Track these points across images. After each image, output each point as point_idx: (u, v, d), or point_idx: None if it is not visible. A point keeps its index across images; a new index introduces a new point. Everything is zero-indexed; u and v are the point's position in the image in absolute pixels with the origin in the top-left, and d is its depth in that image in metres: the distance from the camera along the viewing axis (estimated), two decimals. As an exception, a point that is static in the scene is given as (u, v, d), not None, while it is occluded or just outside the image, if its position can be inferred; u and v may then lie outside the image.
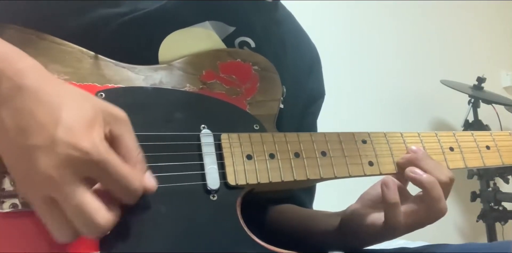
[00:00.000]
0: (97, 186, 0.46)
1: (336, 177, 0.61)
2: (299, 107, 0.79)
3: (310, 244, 0.74)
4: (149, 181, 0.49)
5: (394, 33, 2.56)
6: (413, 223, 0.63)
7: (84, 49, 0.58)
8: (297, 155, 0.60)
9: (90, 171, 0.44)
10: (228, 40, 0.69)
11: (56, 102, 0.44)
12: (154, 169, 0.52)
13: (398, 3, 2.56)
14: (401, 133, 0.66)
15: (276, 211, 0.79)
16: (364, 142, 0.64)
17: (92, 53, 0.58)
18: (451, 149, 0.68)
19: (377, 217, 0.64)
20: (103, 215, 0.44)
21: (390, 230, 0.62)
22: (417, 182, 0.61)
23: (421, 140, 0.67)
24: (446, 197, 0.64)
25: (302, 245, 0.74)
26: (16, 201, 0.49)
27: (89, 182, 0.44)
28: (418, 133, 0.67)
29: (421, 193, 0.62)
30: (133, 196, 0.47)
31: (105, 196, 0.45)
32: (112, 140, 0.46)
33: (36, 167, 0.42)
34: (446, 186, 0.62)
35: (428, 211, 0.62)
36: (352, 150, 0.62)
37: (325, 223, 0.72)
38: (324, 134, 0.62)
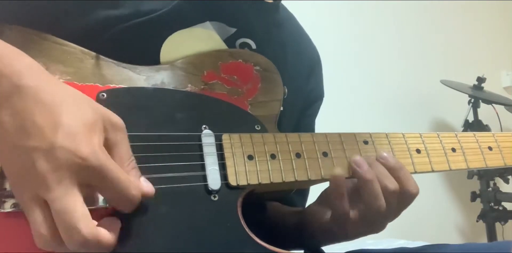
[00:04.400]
0: None
1: None
2: (297, 108, 0.79)
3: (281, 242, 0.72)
4: (146, 185, 0.49)
5: (394, 33, 2.56)
6: (359, 221, 0.62)
7: (86, 50, 0.58)
8: (298, 155, 0.60)
9: (88, 177, 0.44)
10: (229, 41, 0.69)
11: (56, 104, 0.44)
12: (155, 169, 0.53)
13: (398, 3, 2.56)
14: (403, 133, 0.66)
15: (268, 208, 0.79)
16: (366, 142, 0.64)
17: (93, 53, 0.58)
18: (453, 150, 0.68)
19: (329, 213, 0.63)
20: (87, 223, 0.43)
21: (339, 223, 0.62)
22: (357, 175, 0.60)
23: (423, 141, 0.67)
24: (402, 208, 0.63)
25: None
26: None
27: (84, 191, 0.44)
28: (420, 133, 0.67)
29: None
30: (130, 204, 0.47)
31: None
32: (107, 147, 0.46)
33: (33, 168, 0.42)
34: (401, 196, 0.61)
35: (367, 207, 0.60)
36: (353, 150, 0.62)
37: (288, 220, 0.72)
38: (326, 134, 0.62)
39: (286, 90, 0.66)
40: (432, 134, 0.68)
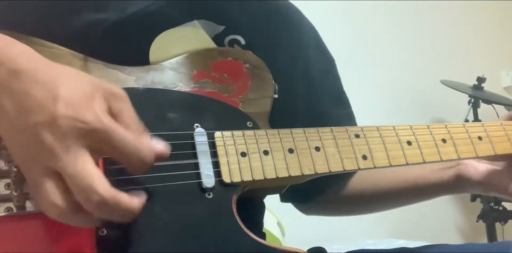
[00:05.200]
0: None
1: (330, 172, 0.61)
2: (312, 87, 0.79)
3: (411, 199, 0.83)
4: (159, 145, 0.48)
5: (394, 33, 2.56)
6: None
7: (74, 52, 0.58)
8: (291, 151, 0.60)
9: (95, 141, 0.44)
10: (217, 39, 0.69)
11: (53, 80, 0.45)
12: (149, 169, 0.53)
13: (398, 3, 2.56)
14: (393, 126, 0.66)
15: (361, 179, 0.84)
16: (357, 136, 0.64)
17: (81, 55, 0.58)
18: (444, 141, 0.68)
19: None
20: (103, 182, 0.43)
21: None
22: None
23: (413, 133, 0.67)
24: None
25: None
26: (11, 205, 0.49)
27: (95, 156, 0.44)
28: (410, 125, 0.67)
29: None
30: (143, 164, 0.46)
31: None
32: (112, 116, 0.46)
33: (38, 141, 0.43)
34: None
35: None
36: (345, 144, 0.63)
37: (439, 176, 0.78)
38: (318, 129, 0.62)
39: (277, 87, 0.67)
40: (422, 126, 0.68)
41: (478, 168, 0.74)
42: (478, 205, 2.29)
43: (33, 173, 0.44)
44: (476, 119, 2.31)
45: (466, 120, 2.28)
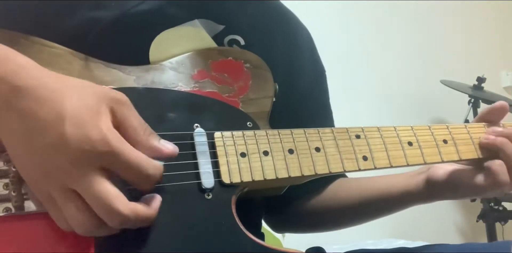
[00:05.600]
0: None
1: (331, 173, 0.61)
2: (299, 94, 0.79)
3: (384, 210, 0.80)
4: (167, 147, 0.50)
5: (394, 33, 2.56)
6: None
7: (74, 51, 0.58)
8: (291, 151, 0.60)
9: (103, 162, 0.44)
10: (217, 39, 0.69)
11: (57, 96, 0.45)
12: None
13: (398, 3, 2.56)
14: (394, 127, 0.66)
15: (329, 193, 0.82)
16: (358, 137, 0.64)
17: (82, 54, 0.58)
18: (445, 141, 0.68)
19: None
20: (122, 201, 0.44)
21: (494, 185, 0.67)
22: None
23: (414, 134, 0.67)
24: None
25: (366, 216, 0.83)
26: (10, 205, 0.49)
27: (106, 172, 0.45)
28: (411, 126, 0.67)
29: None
30: (148, 182, 0.48)
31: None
32: (118, 124, 0.47)
33: (52, 164, 0.43)
34: None
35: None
36: (346, 145, 0.62)
37: (405, 184, 0.76)
38: (318, 130, 0.62)
39: (277, 87, 0.67)
40: (423, 127, 0.68)
41: (446, 168, 0.73)
42: (478, 205, 2.29)
43: (52, 195, 0.45)
44: (476, 119, 2.31)
45: (466, 120, 2.28)
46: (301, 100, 0.79)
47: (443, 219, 2.51)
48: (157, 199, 0.50)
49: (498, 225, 2.23)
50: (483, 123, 0.73)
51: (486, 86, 2.31)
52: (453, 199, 0.75)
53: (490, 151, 0.69)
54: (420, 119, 2.55)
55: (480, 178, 0.69)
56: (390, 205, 0.79)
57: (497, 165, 0.67)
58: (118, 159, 0.45)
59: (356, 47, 2.40)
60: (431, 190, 0.74)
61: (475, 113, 2.32)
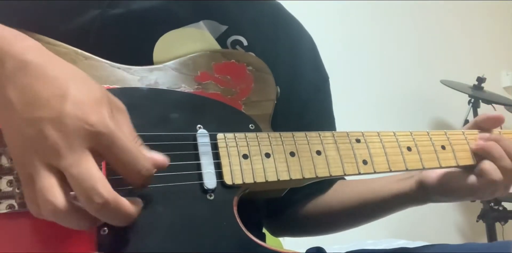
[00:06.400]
0: None
1: (331, 176, 0.61)
2: (300, 99, 0.79)
3: (378, 213, 0.81)
4: (158, 156, 0.49)
5: (394, 33, 2.57)
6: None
7: (79, 50, 0.58)
8: (292, 154, 0.60)
9: (97, 144, 0.44)
10: (221, 39, 0.69)
11: (63, 78, 0.45)
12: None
13: (398, 3, 2.56)
14: (394, 132, 0.67)
15: (326, 197, 0.82)
16: (358, 141, 0.64)
17: (87, 54, 0.58)
18: (443, 147, 0.69)
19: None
20: (105, 185, 0.43)
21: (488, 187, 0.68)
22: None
23: (413, 139, 0.68)
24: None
25: (361, 219, 0.83)
26: (13, 202, 0.49)
27: (95, 155, 0.44)
28: (410, 132, 0.68)
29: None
30: (141, 176, 0.46)
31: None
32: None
33: (43, 137, 0.42)
34: None
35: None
36: (346, 149, 0.63)
37: (399, 187, 0.77)
38: (319, 133, 0.63)
39: (279, 90, 0.67)
40: (422, 132, 0.69)
41: (438, 172, 0.73)
42: (478, 205, 2.30)
43: (30, 167, 0.43)
44: (476, 119, 2.31)
45: (466, 120, 2.29)
46: (302, 105, 0.79)
47: (443, 219, 2.51)
48: (139, 203, 0.48)
49: (498, 225, 2.24)
50: (477, 130, 0.74)
51: (486, 86, 2.31)
52: (449, 202, 0.76)
53: (481, 157, 0.70)
54: (420, 119, 2.56)
55: (473, 179, 0.69)
56: (385, 208, 0.80)
57: (487, 164, 0.68)
58: (115, 142, 0.44)
59: (356, 47, 2.40)
60: (425, 193, 0.75)
61: (475, 113, 2.33)
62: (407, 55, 2.57)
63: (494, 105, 2.35)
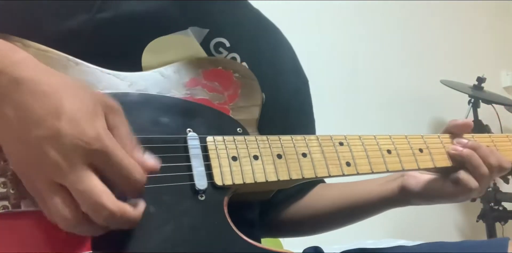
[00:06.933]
0: None
1: (317, 177, 0.63)
2: (283, 102, 0.80)
3: (360, 215, 0.84)
4: (150, 160, 0.51)
5: (394, 33, 2.56)
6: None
7: (70, 56, 0.59)
8: (279, 156, 0.62)
9: (95, 159, 0.45)
10: (204, 43, 0.70)
11: (56, 93, 0.46)
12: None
13: (398, 3, 2.56)
14: (374, 136, 0.69)
15: (308, 199, 0.85)
16: (341, 144, 0.66)
17: (77, 60, 0.59)
18: (421, 150, 0.72)
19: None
20: (110, 197, 0.45)
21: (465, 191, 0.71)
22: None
23: (393, 142, 0.70)
24: (488, 182, 0.73)
25: (344, 222, 0.86)
26: (6, 203, 0.49)
27: (95, 170, 0.46)
28: (389, 135, 0.71)
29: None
30: (135, 188, 0.49)
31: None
32: (108, 129, 0.48)
33: (44, 157, 0.44)
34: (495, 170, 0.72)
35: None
36: (330, 151, 0.65)
37: (381, 190, 0.80)
38: (304, 136, 0.65)
39: (264, 96, 0.69)
40: (400, 136, 0.72)
41: (418, 178, 0.76)
42: (478, 205, 2.29)
43: (38, 187, 0.46)
44: (476, 119, 2.31)
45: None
46: (285, 108, 0.81)
47: (443, 219, 2.50)
48: (142, 204, 0.50)
49: (498, 225, 2.23)
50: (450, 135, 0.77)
51: (486, 86, 2.31)
52: (428, 204, 0.79)
53: (457, 160, 0.73)
54: (420, 119, 2.55)
55: (449, 187, 0.73)
56: (367, 210, 0.83)
57: (463, 174, 0.71)
58: (110, 158, 0.46)
59: (356, 47, 2.39)
60: (405, 197, 0.78)
61: (475, 113, 2.32)
62: (407, 55, 2.57)
63: (494, 105, 2.35)
